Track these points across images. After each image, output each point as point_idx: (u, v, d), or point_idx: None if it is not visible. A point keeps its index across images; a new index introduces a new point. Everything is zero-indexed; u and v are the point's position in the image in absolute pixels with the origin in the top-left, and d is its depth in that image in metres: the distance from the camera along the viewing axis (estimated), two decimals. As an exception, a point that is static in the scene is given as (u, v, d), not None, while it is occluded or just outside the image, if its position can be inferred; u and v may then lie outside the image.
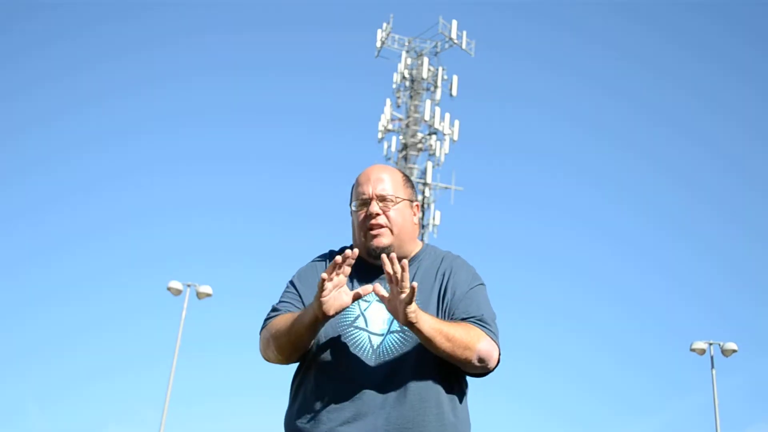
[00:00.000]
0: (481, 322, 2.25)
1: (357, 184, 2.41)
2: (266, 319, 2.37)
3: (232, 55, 43.90)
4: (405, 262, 2.07)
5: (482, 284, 2.41)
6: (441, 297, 2.32)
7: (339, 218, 40.42)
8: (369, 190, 2.36)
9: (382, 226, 2.33)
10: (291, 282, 2.45)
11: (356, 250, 2.14)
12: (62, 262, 39.61)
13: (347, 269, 2.15)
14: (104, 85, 42.70)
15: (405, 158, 27.43)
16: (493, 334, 2.25)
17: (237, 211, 41.83)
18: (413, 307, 2.08)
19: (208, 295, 19.19)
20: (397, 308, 2.10)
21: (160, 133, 41.56)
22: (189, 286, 19.21)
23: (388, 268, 2.09)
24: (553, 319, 38.13)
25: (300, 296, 2.39)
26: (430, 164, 27.11)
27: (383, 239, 2.32)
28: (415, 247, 2.43)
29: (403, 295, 2.06)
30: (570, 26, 44.55)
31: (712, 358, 18.70)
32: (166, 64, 43.54)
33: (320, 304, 2.12)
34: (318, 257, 2.50)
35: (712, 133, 42.45)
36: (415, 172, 27.17)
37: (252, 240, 40.84)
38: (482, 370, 2.24)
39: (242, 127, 42.58)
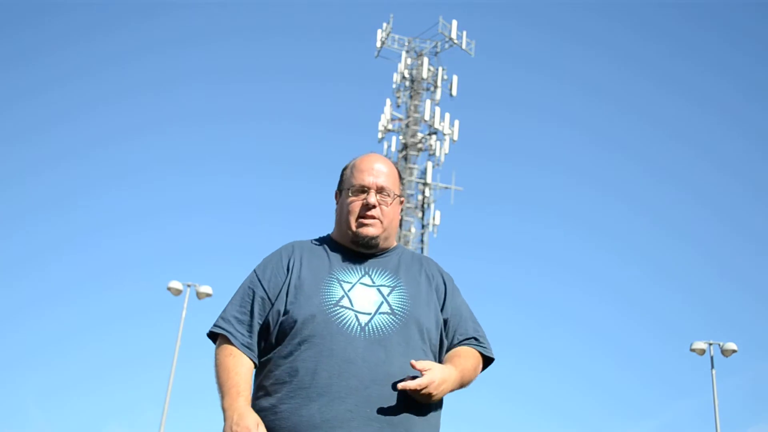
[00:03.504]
0: (477, 341, 2.40)
1: (356, 170, 2.40)
2: (219, 332, 2.34)
3: (232, 56, 43.93)
4: (421, 381, 2.12)
5: (458, 288, 2.51)
6: (428, 292, 2.38)
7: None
8: (370, 180, 2.37)
9: (375, 218, 2.35)
10: (255, 274, 2.40)
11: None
12: (62, 262, 39.65)
13: None
14: (105, 87, 42.73)
15: (405, 158, 27.41)
16: (484, 348, 2.41)
17: (237, 211, 41.88)
18: (442, 390, 2.18)
19: (208, 295, 19.19)
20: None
21: (161, 133, 41.60)
22: (189, 286, 19.20)
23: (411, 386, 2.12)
24: (553, 320, 38.13)
25: (265, 294, 2.33)
26: (430, 164, 27.11)
27: (372, 229, 2.35)
28: (394, 240, 2.49)
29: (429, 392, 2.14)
30: (569, 27, 44.58)
31: (712, 358, 18.69)
32: (169, 67, 43.55)
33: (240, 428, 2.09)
34: (287, 244, 2.46)
35: (711, 136, 42.48)
36: (415, 172, 27.18)
37: (252, 240, 40.84)
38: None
39: (242, 127, 42.62)
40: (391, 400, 2.13)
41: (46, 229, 39.84)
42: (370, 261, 2.38)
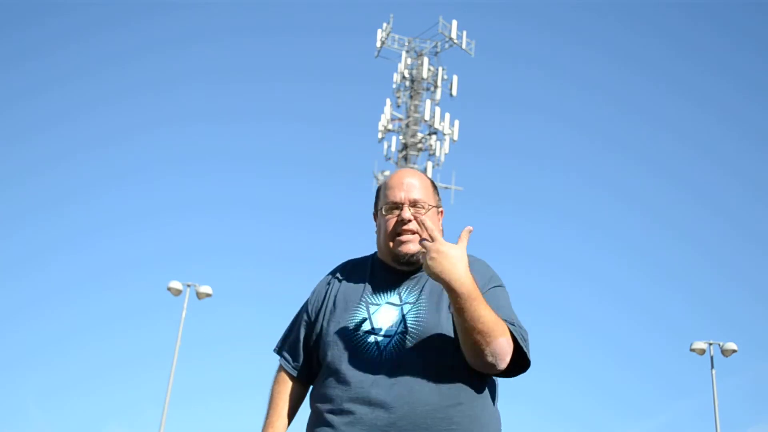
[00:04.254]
0: (511, 326, 2.13)
1: (387, 188, 2.36)
2: (279, 354, 2.45)
3: (232, 56, 43.94)
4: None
5: (501, 286, 2.34)
6: None
7: (339, 218, 40.43)
8: (401, 195, 2.32)
9: (413, 232, 2.29)
10: (305, 303, 2.45)
11: None
12: (62, 262, 39.66)
13: None
14: (105, 87, 42.75)
15: (405, 158, 27.42)
16: (522, 339, 2.14)
17: (237, 211, 41.88)
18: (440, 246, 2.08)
19: (208, 295, 19.20)
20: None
21: (161, 133, 41.61)
22: (189, 286, 19.23)
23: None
24: (553, 320, 38.09)
25: (309, 321, 2.39)
26: (430, 164, 27.11)
27: (411, 246, 2.28)
28: None
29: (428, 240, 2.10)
30: (569, 27, 44.59)
31: (712, 358, 18.71)
32: (168, 67, 43.57)
33: None
34: (335, 268, 2.48)
35: (711, 135, 42.49)
36: (415, 172, 27.14)
37: (252, 240, 40.89)
38: (490, 367, 2.11)
39: (242, 127, 42.62)
40: (408, 421, 2.08)
41: (46, 229, 39.90)
42: (406, 280, 2.33)
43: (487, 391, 2.22)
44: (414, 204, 2.31)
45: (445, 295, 2.16)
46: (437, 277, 2.05)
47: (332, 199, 42.25)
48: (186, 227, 40.94)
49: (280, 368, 2.42)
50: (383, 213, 2.34)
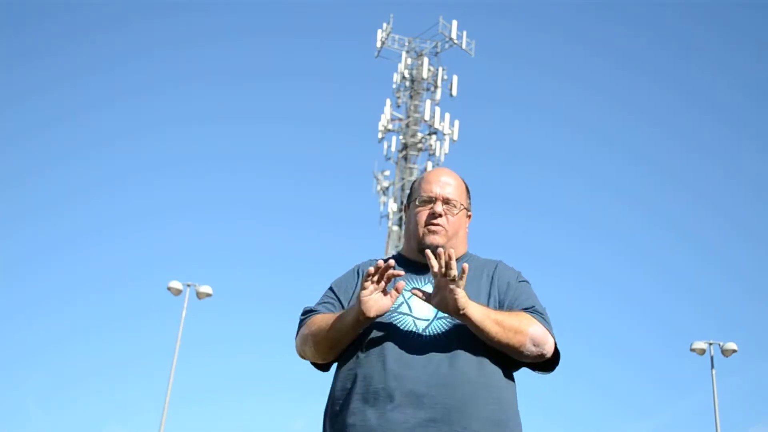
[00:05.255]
0: (533, 311, 2.29)
1: (424, 182, 2.48)
2: (303, 318, 2.41)
3: (232, 56, 43.93)
4: (451, 250, 2.13)
5: (527, 282, 2.46)
6: (489, 293, 2.36)
7: (339, 218, 40.41)
8: (437, 190, 2.43)
9: (441, 226, 2.39)
10: (330, 288, 2.49)
11: (391, 261, 2.20)
12: (63, 262, 39.64)
13: (382, 284, 2.20)
14: (106, 87, 42.73)
15: (405, 158, 27.43)
16: (546, 323, 2.29)
17: (237, 211, 41.87)
18: (462, 293, 2.12)
19: (208, 295, 19.20)
20: (446, 298, 2.14)
21: (162, 134, 41.61)
22: (189, 286, 19.22)
23: (433, 261, 2.13)
24: (552, 320, 38.03)
25: (339, 300, 2.42)
26: (430, 164, 27.09)
27: (438, 237, 2.38)
28: (461, 252, 2.49)
29: (452, 278, 2.11)
30: (569, 27, 44.58)
31: (712, 358, 18.70)
32: (168, 67, 43.57)
33: (361, 303, 2.17)
34: (357, 266, 2.53)
35: (711, 135, 42.49)
36: (415, 172, 27.16)
37: (252, 240, 40.87)
38: (539, 357, 2.26)
39: (242, 127, 42.62)
40: (449, 402, 2.11)
41: (47, 229, 39.88)
42: None
43: (515, 380, 2.33)
44: (447, 201, 2.43)
45: (484, 288, 2.35)
46: (448, 312, 2.17)
47: (332, 199, 42.27)
48: (186, 227, 40.95)
49: (308, 318, 2.38)
50: (417, 204, 2.45)
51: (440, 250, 2.14)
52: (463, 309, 2.13)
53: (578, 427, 34.65)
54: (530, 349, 2.22)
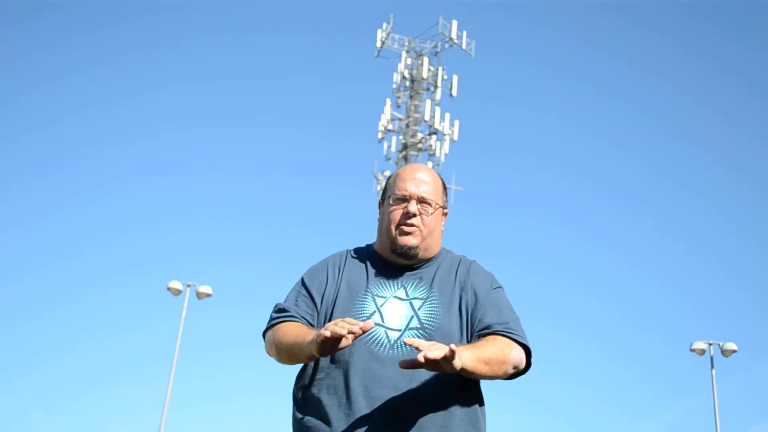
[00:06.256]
0: (507, 330, 2.23)
1: (398, 179, 2.40)
2: (273, 319, 2.32)
3: (232, 57, 43.93)
4: (428, 353, 1.93)
5: (501, 287, 2.39)
6: (461, 298, 2.30)
7: (339, 218, 40.41)
8: (412, 188, 2.35)
9: (415, 227, 2.32)
10: (302, 280, 2.40)
11: (370, 322, 2.00)
12: (63, 262, 39.65)
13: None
14: (105, 86, 42.74)
15: (405, 158, 27.42)
16: (521, 338, 2.23)
17: (237, 211, 41.88)
18: (456, 360, 1.97)
19: (208, 295, 19.20)
20: (440, 366, 1.98)
21: (161, 133, 41.62)
22: (189, 286, 19.22)
23: (429, 355, 1.92)
24: (553, 320, 38.09)
25: (311, 295, 2.34)
26: (430, 164, 27.07)
27: (412, 239, 2.32)
28: (435, 251, 2.42)
29: (446, 359, 1.95)
30: (570, 27, 44.60)
31: (712, 358, 18.70)
32: (168, 66, 43.58)
33: (319, 348, 2.04)
34: (333, 255, 2.46)
35: (711, 135, 42.51)
36: (415, 172, 27.13)
37: (252, 240, 40.89)
38: (517, 374, 2.25)
39: (242, 127, 42.63)
40: (417, 417, 2.09)
41: (46, 229, 39.89)
42: (408, 273, 2.34)
43: (481, 392, 2.31)
44: (422, 201, 2.35)
45: (456, 294, 2.28)
46: (443, 372, 2.02)
47: (332, 199, 42.30)
48: (186, 227, 40.97)
49: (279, 322, 2.28)
50: (390, 202, 2.37)
51: (419, 357, 1.91)
52: (459, 369, 2.00)
53: (578, 427, 34.68)
54: (510, 372, 2.20)
